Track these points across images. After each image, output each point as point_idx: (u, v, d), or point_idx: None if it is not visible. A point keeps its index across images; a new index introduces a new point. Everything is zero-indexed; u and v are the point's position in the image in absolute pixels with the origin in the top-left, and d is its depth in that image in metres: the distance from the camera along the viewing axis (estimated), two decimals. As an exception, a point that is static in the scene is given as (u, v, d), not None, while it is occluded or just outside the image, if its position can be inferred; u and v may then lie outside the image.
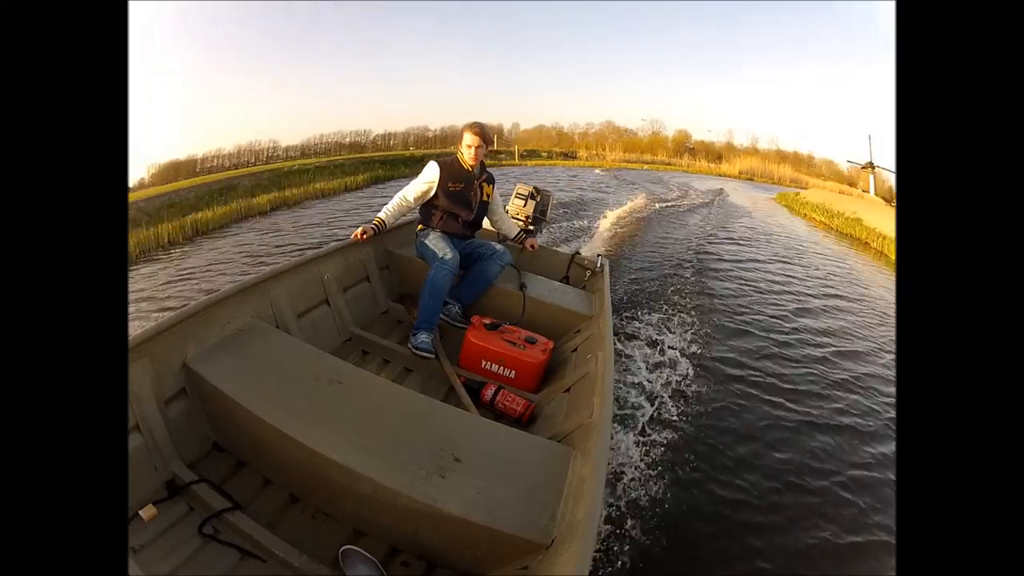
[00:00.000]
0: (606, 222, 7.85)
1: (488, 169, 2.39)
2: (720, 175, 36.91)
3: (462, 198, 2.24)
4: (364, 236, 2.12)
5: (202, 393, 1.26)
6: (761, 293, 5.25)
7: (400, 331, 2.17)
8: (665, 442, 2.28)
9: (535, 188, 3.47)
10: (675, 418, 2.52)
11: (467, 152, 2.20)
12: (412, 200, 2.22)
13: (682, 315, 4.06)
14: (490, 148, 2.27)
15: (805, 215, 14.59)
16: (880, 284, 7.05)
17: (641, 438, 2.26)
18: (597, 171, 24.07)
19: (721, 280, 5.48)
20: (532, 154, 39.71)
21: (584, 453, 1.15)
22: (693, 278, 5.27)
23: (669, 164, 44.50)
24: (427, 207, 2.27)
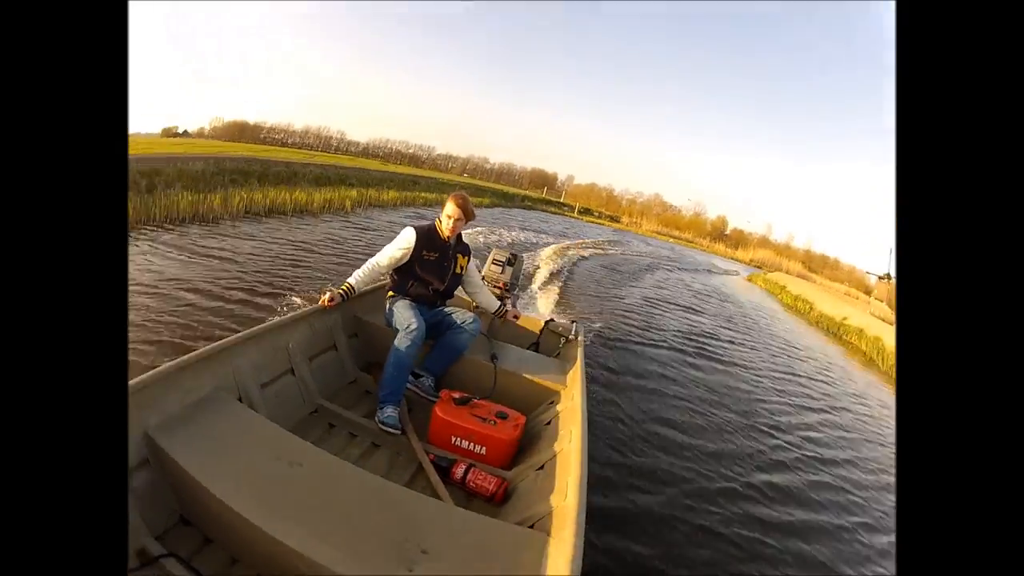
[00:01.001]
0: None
1: (464, 242, 2.39)
2: (734, 259, 41.43)
3: (436, 267, 2.21)
4: (331, 303, 2.05)
5: (164, 466, 1.23)
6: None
7: (368, 402, 2.11)
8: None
9: (512, 254, 3.46)
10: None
11: (446, 222, 2.18)
12: (384, 265, 2.18)
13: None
14: (470, 220, 2.27)
15: (772, 292, 18.61)
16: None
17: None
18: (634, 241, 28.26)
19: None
20: (587, 212, 50.57)
21: (559, 542, 1.11)
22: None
23: (691, 242, 51.97)
24: (399, 273, 2.23)
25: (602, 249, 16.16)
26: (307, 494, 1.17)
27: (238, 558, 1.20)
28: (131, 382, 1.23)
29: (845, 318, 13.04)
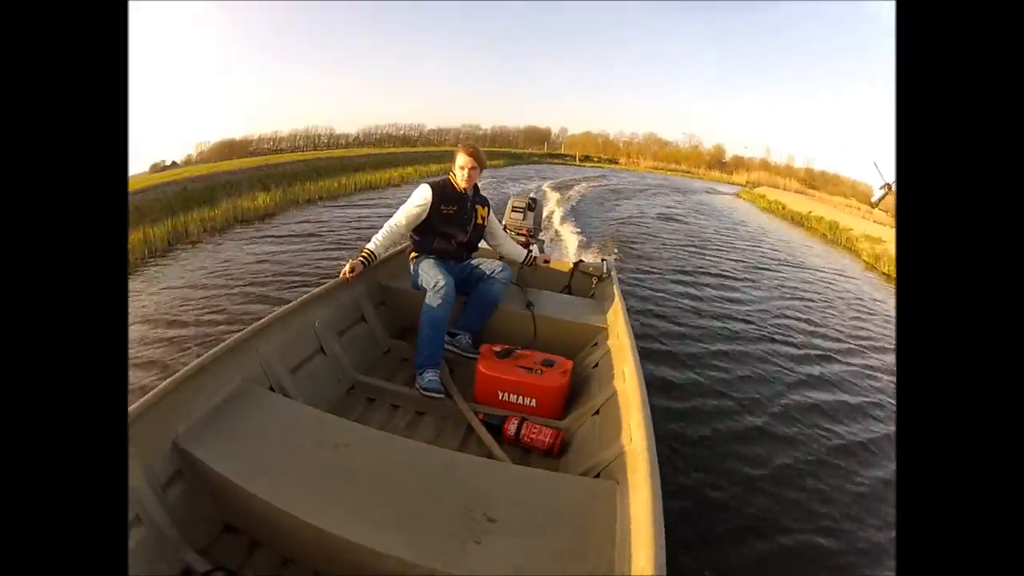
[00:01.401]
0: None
1: (481, 193, 2.31)
2: (731, 183, 42.20)
3: (456, 220, 2.15)
4: (353, 273, 1.99)
5: (200, 474, 1.16)
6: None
7: (406, 370, 2.04)
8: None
9: (531, 198, 3.37)
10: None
11: (460, 173, 2.12)
12: (404, 225, 2.11)
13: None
14: (483, 169, 2.19)
15: (756, 203, 21.98)
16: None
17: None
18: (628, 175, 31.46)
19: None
20: (587, 159, 54.50)
21: (632, 487, 1.05)
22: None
23: (688, 172, 54.44)
24: (419, 232, 2.16)
25: (599, 183, 19.46)
26: (356, 477, 1.10)
27: (291, 558, 1.14)
28: (150, 393, 1.17)
29: (810, 212, 16.92)
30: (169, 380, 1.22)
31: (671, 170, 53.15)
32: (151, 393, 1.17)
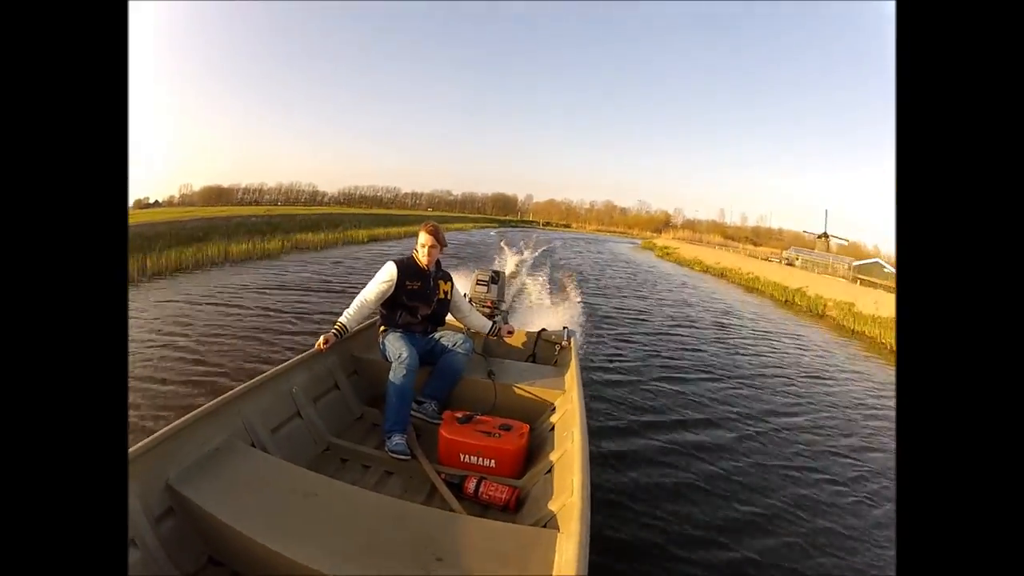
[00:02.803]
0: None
1: (444, 269, 2.50)
2: (651, 239, 49.38)
3: (420, 295, 2.31)
4: (327, 344, 2.14)
5: (188, 511, 1.31)
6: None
7: (377, 435, 2.17)
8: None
9: (493, 271, 3.50)
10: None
11: (422, 251, 2.30)
12: (372, 300, 2.26)
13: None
14: (444, 248, 2.37)
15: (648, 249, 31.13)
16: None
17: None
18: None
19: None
20: (548, 224, 72.90)
21: (567, 536, 1.16)
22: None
23: (624, 232, 68.73)
24: (387, 306, 2.32)
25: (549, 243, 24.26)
26: (327, 521, 1.24)
27: None
28: (147, 439, 1.33)
29: (695, 256, 23.54)
30: (161, 431, 1.39)
31: (610, 231, 71.90)
32: (146, 440, 1.33)
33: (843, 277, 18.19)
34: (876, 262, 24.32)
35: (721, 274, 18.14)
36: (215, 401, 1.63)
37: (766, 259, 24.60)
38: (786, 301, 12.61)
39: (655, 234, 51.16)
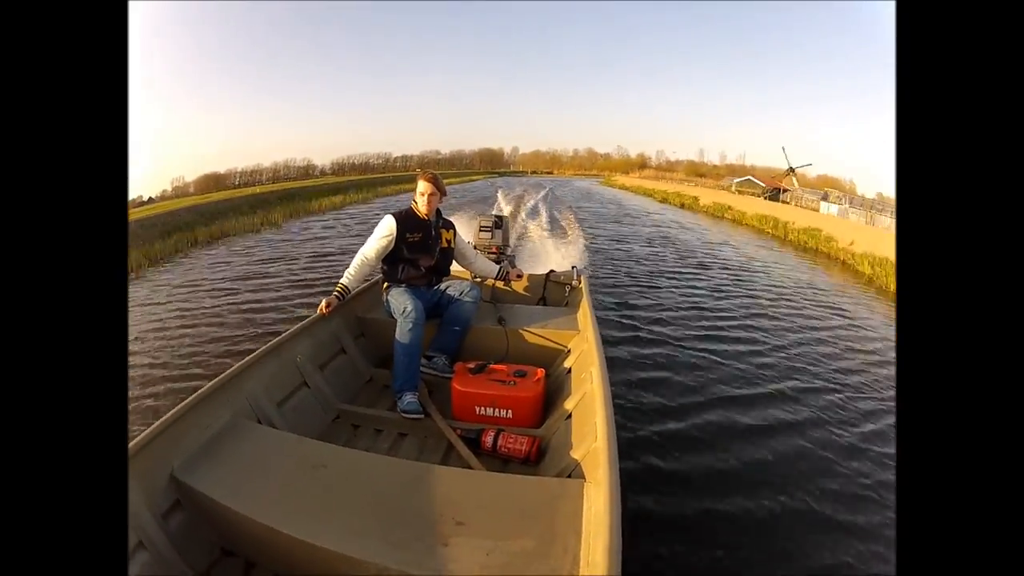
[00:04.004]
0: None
1: (444, 216, 2.38)
2: (614, 178, 52.45)
3: (422, 246, 2.23)
4: (329, 308, 2.09)
5: (196, 503, 1.26)
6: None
7: (388, 396, 2.07)
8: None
9: (496, 216, 3.42)
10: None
11: (420, 200, 2.20)
12: (373, 257, 2.19)
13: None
14: (444, 196, 2.27)
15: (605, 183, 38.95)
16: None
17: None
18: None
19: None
20: (535, 172, 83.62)
21: (596, 482, 1.10)
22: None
23: (596, 174, 71.94)
24: (388, 262, 2.24)
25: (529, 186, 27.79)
26: (338, 494, 1.19)
27: (283, 574, 1.23)
28: (147, 430, 1.27)
29: (654, 188, 28.84)
30: (162, 419, 1.33)
31: (584, 174, 78.49)
32: (146, 431, 1.27)
33: (754, 195, 27.74)
34: (748, 179, 36.99)
35: (659, 198, 24.26)
36: (215, 380, 1.55)
37: (704, 186, 32.92)
38: (682, 205, 20.82)
39: (624, 175, 55.92)
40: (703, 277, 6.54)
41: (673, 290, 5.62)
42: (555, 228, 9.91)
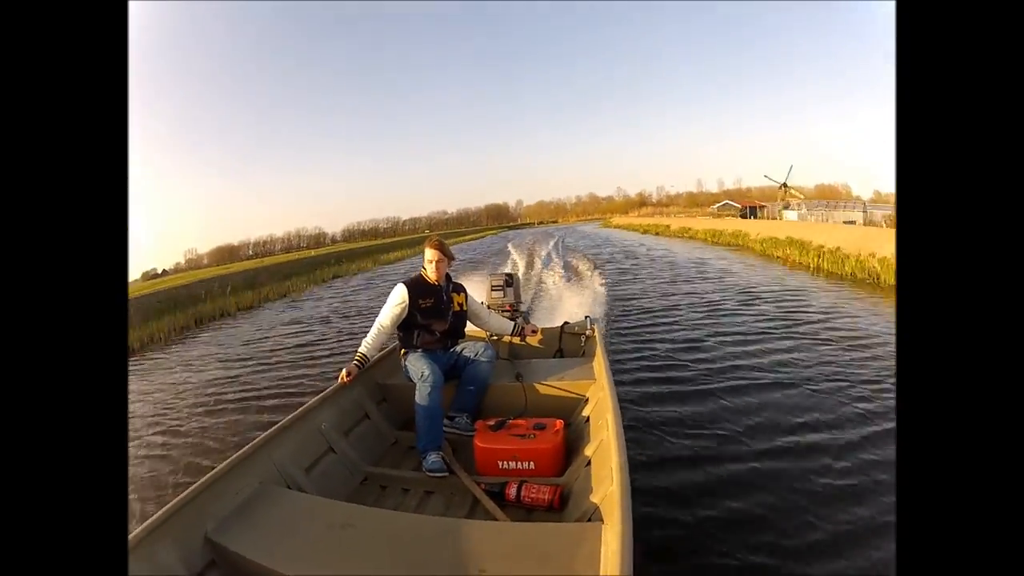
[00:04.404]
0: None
1: (455, 280, 2.48)
2: (616, 219, 57.15)
3: (435, 312, 2.30)
4: (350, 377, 2.18)
5: (231, 562, 1.32)
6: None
7: (414, 457, 2.12)
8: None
9: (506, 274, 3.50)
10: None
11: (429, 267, 2.30)
12: (388, 325, 2.27)
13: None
14: (452, 260, 2.37)
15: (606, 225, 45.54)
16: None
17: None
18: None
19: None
20: (541, 223, 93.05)
21: (611, 525, 1.13)
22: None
23: (597, 218, 77.53)
24: (403, 328, 2.32)
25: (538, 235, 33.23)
26: (369, 552, 1.24)
27: None
28: (179, 496, 1.36)
29: (647, 226, 31.91)
30: (194, 485, 1.42)
31: (586, 219, 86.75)
32: (178, 497, 1.36)
33: (731, 215, 34.19)
34: (726, 204, 43.69)
35: (642, 230, 29.91)
36: (244, 449, 1.65)
37: (693, 216, 37.96)
38: (657, 233, 26.42)
39: (623, 215, 59.82)
40: (628, 261, 12.32)
41: (612, 267, 11.07)
42: (569, 271, 10.77)
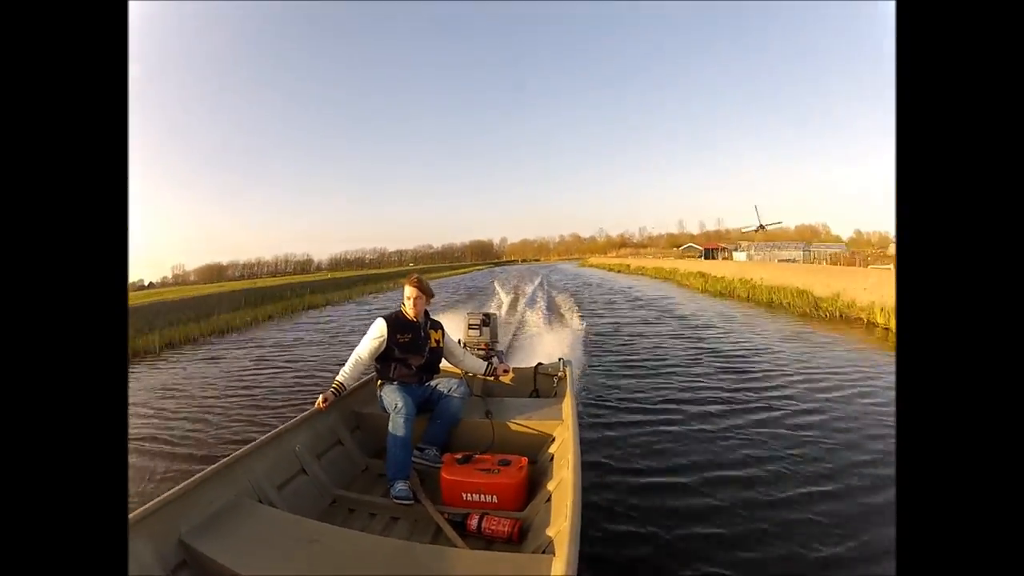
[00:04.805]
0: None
1: (433, 318, 2.59)
2: (594, 259, 60.11)
3: (412, 347, 2.40)
4: (326, 403, 2.27)
5: (200, 566, 1.42)
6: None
7: (383, 485, 2.21)
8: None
9: (484, 314, 3.52)
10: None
11: (408, 304, 2.40)
12: (366, 357, 2.36)
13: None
14: (431, 297, 2.47)
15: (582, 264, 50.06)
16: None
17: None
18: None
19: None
20: (525, 260, 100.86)
21: (560, 557, 1.20)
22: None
23: (577, 257, 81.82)
24: (381, 360, 2.41)
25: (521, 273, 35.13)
26: (334, 567, 1.32)
27: None
28: (158, 498, 1.44)
29: (619, 266, 34.92)
30: (171, 491, 1.51)
31: (568, 258, 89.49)
32: (157, 499, 1.45)
33: (692, 257, 36.77)
34: (690, 246, 47.01)
35: (609, 269, 33.13)
36: (220, 462, 1.74)
37: (663, 257, 40.68)
38: (619, 271, 29.90)
39: (602, 255, 63.52)
40: (585, 288, 16.61)
41: (567, 291, 15.12)
42: (551, 309, 11.33)
